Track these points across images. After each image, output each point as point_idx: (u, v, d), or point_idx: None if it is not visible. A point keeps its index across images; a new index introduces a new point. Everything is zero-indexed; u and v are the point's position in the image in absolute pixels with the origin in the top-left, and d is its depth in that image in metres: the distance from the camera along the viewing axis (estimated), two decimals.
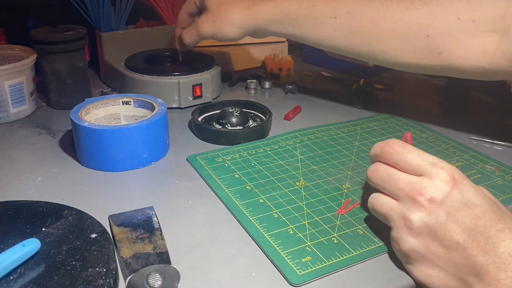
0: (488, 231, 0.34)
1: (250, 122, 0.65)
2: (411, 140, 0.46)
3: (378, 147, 0.41)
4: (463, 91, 0.75)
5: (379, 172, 0.40)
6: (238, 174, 0.53)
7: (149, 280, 0.35)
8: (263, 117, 0.66)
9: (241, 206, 0.47)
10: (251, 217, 0.45)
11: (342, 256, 0.40)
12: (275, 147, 0.59)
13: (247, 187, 0.50)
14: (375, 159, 0.42)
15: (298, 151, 0.59)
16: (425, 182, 0.37)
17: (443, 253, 0.35)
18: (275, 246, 0.41)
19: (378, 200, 0.40)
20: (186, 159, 0.56)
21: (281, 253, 0.40)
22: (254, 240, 0.42)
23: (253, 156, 0.57)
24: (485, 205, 0.36)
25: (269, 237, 0.42)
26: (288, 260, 0.39)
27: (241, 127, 0.63)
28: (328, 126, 0.66)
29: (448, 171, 0.36)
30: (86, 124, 0.52)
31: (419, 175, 0.38)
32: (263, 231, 0.43)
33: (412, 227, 0.36)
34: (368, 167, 0.42)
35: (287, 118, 0.69)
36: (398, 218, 0.38)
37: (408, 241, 0.37)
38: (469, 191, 0.36)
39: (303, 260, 0.39)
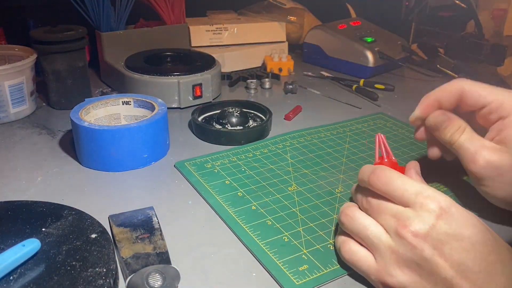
0: (478, 265, 0.31)
1: (250, 122, 0.65)
2: (386, 142, 0.42)
3: (365, 175, 0.38)
4: None
5: (370, 201, 0.37)
6: (228, 180, 0.52)
7: (149, 280, 0.35)
8: (263, 117, 0.66)
9: (233, 213, 0.46)
10: (244, 225, 0.44)
11: (340, 264, 0.39)
12: (265, 151, 0.58)
13: (238, 193, 0.49)
14: (363, 184, 0.39)
15: (288, 154, 0.58)
16: (409, 213, 0.34)
17: None
18: (270, 255, 0.40)
19: (361, 220, 0.37)
20: (174, 165, 0.55)
21: (277, 262, 0.39)
22: (248, 249, 0.41)
23: (243, 161, 0.56)
24: (475, 236, 0.32)
25: (264, 246, 0.41)
26: (285, 270, 0.39)
27: (241, 127, 0.63)
28: (317, 128, 0.65)
29: (433, 200, 0.34)
30: (86, 124, 0.52)
31: (406, 206, 0.35)
32: (258, 240, 0.42)
33: (399, 260, 0.34)
34: (359, 169, 0.40)
35: (287, 118, 0.69)
36: (385, 249, 0.35)
37: (394, 275, 0.34)
38: (457, 221, 0.33)
39: (300, 269, 0.39)
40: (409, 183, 0.35)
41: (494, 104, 0.44)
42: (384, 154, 0.42)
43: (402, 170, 0.41)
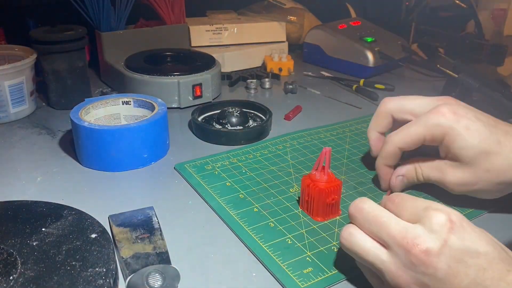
0: (497, 284, 0.29)
1: (250, 122, 0.65)
2: (329, 158, 0.43)
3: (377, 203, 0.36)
4: (463, 91, 0.74)
5: (363, 211, 0.35)
6: (229, 182, 0.51)
7: (149, 280, 0.35)
8: (263, 117, 0.66)
9: (235, 216, 0.46)
10: (247, 227, 0.44)
11: (344, 266, 0.39)
12: (265, 152, 0.58)
13: (239, 195, 0.49)
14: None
15: (289, 155, 0.58)
16: (418, 230, 0.31)
17: None
18: (274, 258, 0.40)
19: (360, 242, 0.34)
20: (174, 167, 0.55)
21: (281, 265, 0.39)
22: (252, 252, 0.41)
23: (243, 163, 0.55)
24: (491, 253, 0.30)
25: (267, 249, 0.41)
26: (289, 272, 0.38)
27: (241, 127, 0.62)
28: (317, 128, 0.65)
29: (443, 212, 0.31)
30: (86, 124, 0.52)
31: (413, 222, 0.33)
32: (261, 242, 0.42)
33: (406, 284, 0.31)
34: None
35: (287, 118, 0.69)
36: (390, 274, 0.32)
37: None
38: (470, 236, 0.30)
39: (304, 271, 0.38)
40: (419, 201, 0.34)
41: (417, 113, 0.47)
42: (321, 166, 0.44)
43: (339, 183, 0.44)
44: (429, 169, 0.46)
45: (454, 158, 0.44)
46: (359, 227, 0.35)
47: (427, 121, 0.44)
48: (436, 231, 0.31)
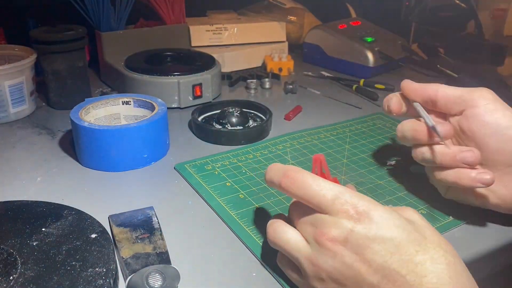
0: (406, 266, 0.30)
1: (250, 122, 0.65)
2: (326, 163, 0.41)
3: (276, 176, 0.36)
4: None
5: (291, 211, 0.36)
6: (229, 182, 0.51)
7: (149, 280, 0.35)
8: (263, 117, 0.66)
9: (235, 216, 0.45)
10: (247, 227, 0.44)
11: None
12: (265, 152, 0.58)
13: (240, 195, 0.49)
14: (272, 186, 0.37)
15: (289, 155, 0.57)
16: (327, 220, 0.32)
17: None
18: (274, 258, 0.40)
19: (281, 234, 0.35)
20: (174, 167, 0.55)
21: None
22: (252, 252, 0.41)
23: (243, 163, 0.55)
24: (399, 236, 0.31)
25: (268, 249, 0.41)
26: None
27: (241, 127, 0.62)
28: (317, 128, 0.65)
29: (350, 205, 0.32)
30: (86, 124, 0.52)
31: (324, 212, 0.33)
32: (261, 243, 0.42)
33: (321, 273, 0.32)
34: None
35: (287, 118, 0.69)
36: (307, 264, 0.33)
37: None
38: (378, 224, 0.31)
39: None
40: (326, 187, 0.33)
41: (464, 97, 0.44)
42: (320, 173, 0.41)
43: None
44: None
45: (469, 132, 0.43)
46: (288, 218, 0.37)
47: (468, 90, 0.45)
48: (344, 222, 0.32)
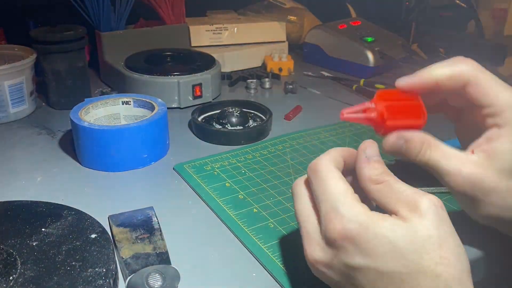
0: None
1: (250, 122, 0.65)
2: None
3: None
4: None
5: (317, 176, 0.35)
6: (228, 182, 0.51)
7: (149, 281, 0.35)
8: (263, 117, 0.66)
9: (234, 216, 0.45)
10: (246, 228, 0.44)
11: None
12: (264, 152, 0.58)
13: (239, 196, 0.49)
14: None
15: (288, 156, 0.57)
16: (316, 236, 0.33)
17: None
18: (274, 258, 0.40)
19: (303, 211, 0.35)
20: (173, 168, 0.55)
21: (281, 266, 0.39)
22: (251, 253, 0.41)
23: (242, 163, 0.55)
24: (383, 266, 0.30)
25: (267, 250, 0.41)
26: (290, 275, 0.38)
27: (241, 127, 0.62)
28: (317, 129, 0.65)
29: (331, 232, 0.31)
30: (86, 124, 0.52)
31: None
32: (260, 243, 0.42)
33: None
34: None
35: (287, 118, 0.69)
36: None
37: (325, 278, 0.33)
38: (363, 251, 0.30)
39: (304, 272, 0.38)
40: (325, 194, 0.33)
41: (499, 108, 0.35)
42: None
43: None
44: (442, 152, 0.36)
45: (487, 152, 0.34)
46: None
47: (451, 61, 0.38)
48: (324, 247, 0.32)
